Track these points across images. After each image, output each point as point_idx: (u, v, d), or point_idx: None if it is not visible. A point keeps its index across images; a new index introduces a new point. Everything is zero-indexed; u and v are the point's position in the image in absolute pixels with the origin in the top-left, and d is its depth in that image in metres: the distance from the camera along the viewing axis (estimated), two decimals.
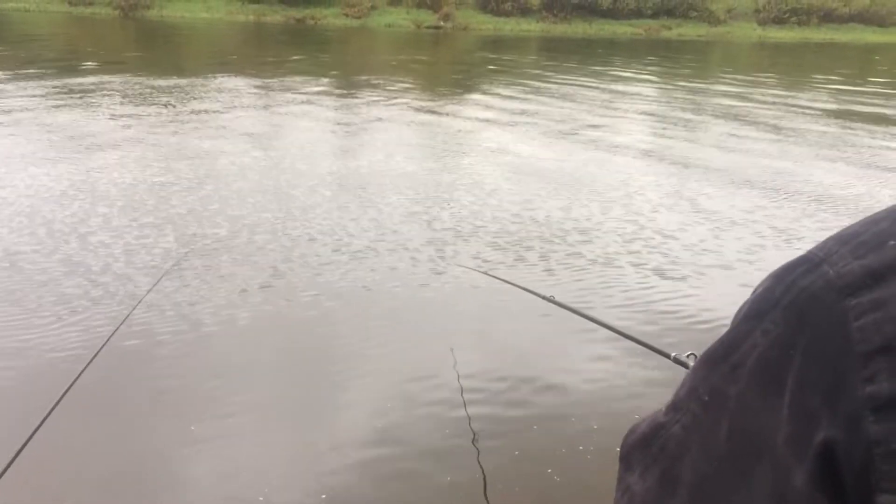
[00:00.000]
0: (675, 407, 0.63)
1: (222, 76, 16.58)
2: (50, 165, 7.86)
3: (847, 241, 0.53)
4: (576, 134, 11.29)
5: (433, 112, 12.98)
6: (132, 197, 6.87)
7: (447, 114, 12.87)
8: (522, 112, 13.24)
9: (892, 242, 0.50)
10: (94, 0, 39.29)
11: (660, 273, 5.55)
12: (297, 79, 16.72)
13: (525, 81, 18.31)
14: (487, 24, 43.41)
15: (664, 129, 12.22)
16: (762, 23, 47.77)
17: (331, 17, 41.92)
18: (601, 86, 18.07)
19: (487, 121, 12.16)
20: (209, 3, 41.62)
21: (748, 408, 0.55)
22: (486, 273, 5.11)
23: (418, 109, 13.11)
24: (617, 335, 2.46)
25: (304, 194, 7.25)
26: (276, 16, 41.23)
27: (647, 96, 16.74)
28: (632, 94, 16.71)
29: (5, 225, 5.90)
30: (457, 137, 10.72)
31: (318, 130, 10.87)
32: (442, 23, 42.20)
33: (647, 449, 0.65)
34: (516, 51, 30.35)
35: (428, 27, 41.72)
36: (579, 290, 5.15)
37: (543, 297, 2.93)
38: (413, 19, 42.52)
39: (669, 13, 47.04)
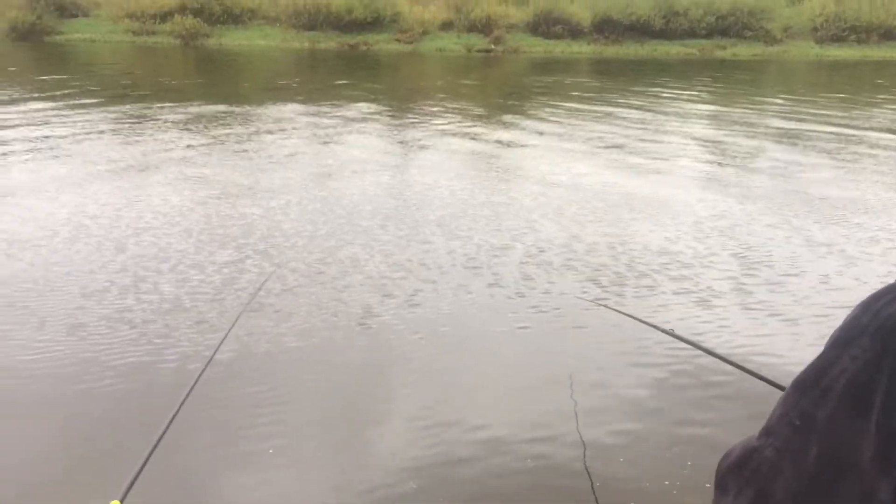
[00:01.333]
0: (767, 432, 0.67)
1: (279, 103, 16.99)
2: (122, 193, 8.18)
3: None
4: (636, 155, 11.22)
5: (489, 138, 13.06)
6: (211, 226, 7.09)
7: (504, 141, 12.93)
8: (584, 137, 13.23)
9: None
10: (156, 30, 40.68)
11: (777, 313, 5.29)
12: (352, 105, 17.03)
13: (579, 105, 18.29)
14: (538, 47, 43.49)
15: (735, 155, 12.06)
16: (820, 41, 46.76)
17: (383, 43, 42.57)
18: (657, 108, 17.93)
19: (546, 147, 12.13)
20: (265, 31, 42.70)
21: (836, 429, 0.59)
22: (603, 305, 5.03)
23: (472, 136, 13.22)
24: (743, 372, 2.31)
25: (380, 226, 7.21)
26: (331, 42, 42.04)
27: (707, 118, 16.55)
28: (690, 116, 16.54)
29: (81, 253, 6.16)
30: (520, 163, 10.75)
31: (377, 160, 10.99)
32: (493, 46, 42.46)
33: (740, 472, 0.69)
34: (567, 73, 30.34)
35: (479, 51, 42.02)
36: (699, 323, 5.03)
37: (663, 331, 2.83)
38: (464, 43, 42.87)
39: (723, 33, 46.40)
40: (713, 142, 12.90)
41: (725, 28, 46.32)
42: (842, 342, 0.61)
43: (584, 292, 5.55)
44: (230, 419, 3.76)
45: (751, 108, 18.36)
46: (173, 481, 3.19)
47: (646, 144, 12.42)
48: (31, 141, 11.08)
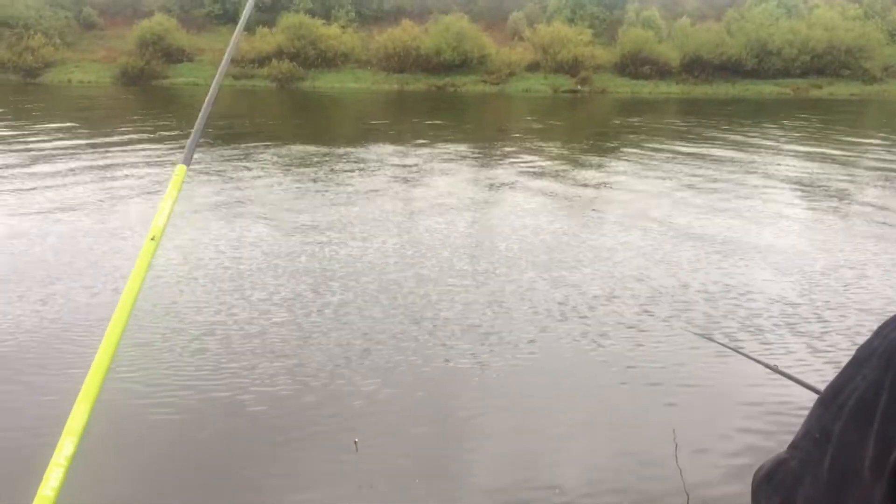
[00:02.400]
0: (794, 445, 0.75)
1: (370, 143, 17.47)
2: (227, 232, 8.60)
3: None
4: (730, 198, 11.02)
5: (575, 180, 13.08)
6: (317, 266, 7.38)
7: (591, 182, 12.92)
8: (673, 179, 13.09)
9: None
10: (255, 73, 42.61)
11: None
12: (439, 145, 17.35)
13: (670, 146, 18.09)
14: (625, 88, 43.28)
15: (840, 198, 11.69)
16: None
17: (470, 85, 43.26)
18: (751, 150, 17.53)
19: (638, 190, 12.03)
20: (357, 74, 44.12)
21: (846, 441, 0.66)
22: (709, 338, 5.07)
23: (557, 177, 13.28)
24: None
25: (495, 268, 7.34)
26: (419, 84, 43.03)
27: (805, 159, 16.09)
28: (782, 157, 16.11)
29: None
30: (614, 207, 10.70)
31: (467, 203, 11.15)
32: (579, 87, 42.52)
33: (770, 482, 0.77)
34: (655, 113, 30.07)
35: (565, 91, 42.15)
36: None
37: (767, 366, 2.88)
38: (550, 84, 43.10)
39: (819, 72, 45.04)
40: (814, 186, 12.53)
41: (822, 67, 44.95)
42: (857, 363, 0.68)
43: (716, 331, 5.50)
44: None
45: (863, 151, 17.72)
46: None
47: (738, 187, 12.16)
48: (139, 178, 11.79)
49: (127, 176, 11.98)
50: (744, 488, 3.45)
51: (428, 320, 5.69)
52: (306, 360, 4.91)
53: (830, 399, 0.70)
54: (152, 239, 1.26)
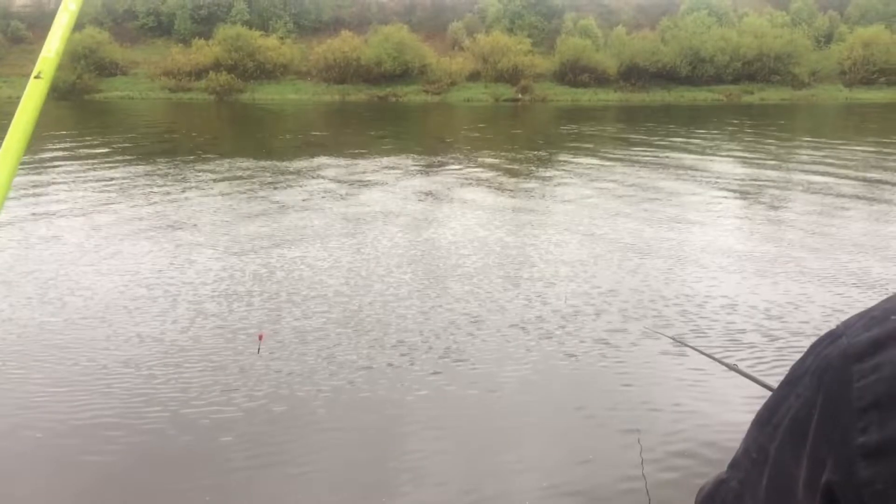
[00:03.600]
0: (733, 465, 0.74)
1: (309, 157, 17.28)
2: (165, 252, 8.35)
3: (863, 317, 0.63)
4: (670, 206, 11.22)
5: (514, 188, 13.15)
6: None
7: (531, 191, 13.01)
8: (611, 187, 13.25)
9: (894, 317, 0.60)
10: (192, 86, 41.90)
11: None
12: (380, 157, 17.27)
13: (610, 154, 18.36)
14: (565, 96, 43.98)
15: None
16: (849, 84, 46.67)
17: (412, 94, 43.38)
18: (687, 155, 17.92)
19: (577, 198, 12.21)
20: (297, 86, 43.81)
21: (782, 460, 0.65)
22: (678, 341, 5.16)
23: (497, 186, 13.33)
24: None
25: (425, 279, 7.42)
26: (360, 94, 42.96)
27: (739, 163, 16.50)
28: (714, 162, 16.50)
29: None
30: (549, 215, 10.80)
31: (410, 215, 11.12)
32: (520, 95, 43.04)
33: (711, 502, 0.76)
34: (594, 120, 30.57)
35: (506, 100, 42.60)
36: None
37: (727, 366, 2.92)
38: (491, 93, 43.52)
39: (751, 78, 46.56)
40: (747, 191, 12.84)
41: (752, 73, 46.51)
42: (790, 381, 0.67)
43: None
44: None
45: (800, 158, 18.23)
46: None
47: (675, 196, 12.39)
48: (72, 197, 11.41)
49: (56, 191, 11.58)
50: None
51: (368, 333, 5.59)
52: (252, 387, 4.76)
53: (766, 418, 0.69)
54: (37, 77, 1.05)
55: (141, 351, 5.30)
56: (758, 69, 46.52)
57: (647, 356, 5.30)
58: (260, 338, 3.65)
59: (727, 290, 6.85)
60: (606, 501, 3.61)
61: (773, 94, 45.11)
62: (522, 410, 4.59)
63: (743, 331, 5.81)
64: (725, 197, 12.05)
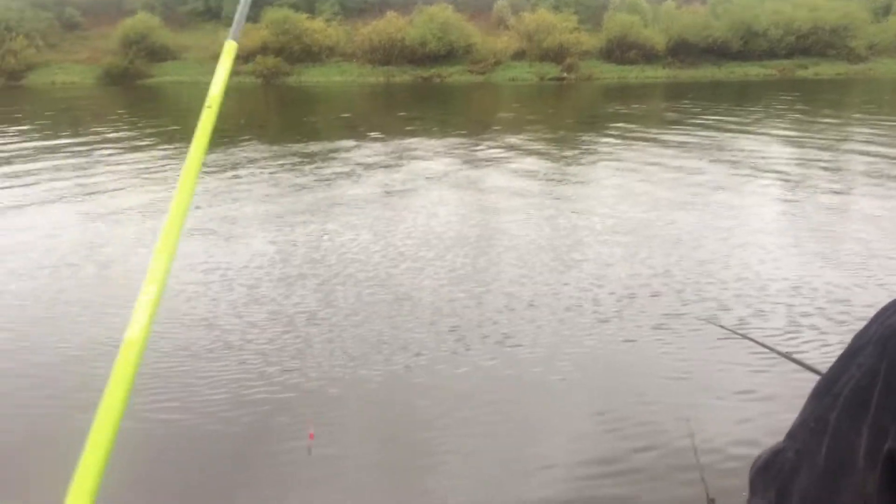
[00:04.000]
0: (790, 435, 0.75)
1: (354, 139, 17.42)
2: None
3: None
4: (715, 190, 11.07)
5: (556, 170, 13.11)
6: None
7: (574, 173, 12.95)
8: (655, 169, 13.12)
9: None
10: (240, 70, 42.40)
11: None
12: (425, 139, 17.34)
13: (656, 134, 18.13)
14: (611, 74, 43.29)
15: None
16: None
17: (456, 75, 43.21)
18: (737, 135, 17.58)
19: (619, 184, 12.12)
20: (342, 68, 44.01)
21: (842, 429, 0.66)
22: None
23: (535, 171, 13.30)
24: None
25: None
26: (405, 76, 42.96)
27: (792, 144, 16.14)
28: (765, 143, 16.16)
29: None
30: (589, 199, 10.76)
31: (459, 198, 11.19)
32: (566, 74, 42.52)
33: (767, 473, 0.77)
34: (642, 99, 30.09)
35: (551, 79, 42.14)
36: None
37: (782, 354, 2.83)
38: (536, 72, 43.08)
39: (805, 52, 45.13)
40: (801, 171, 12.57)
41: (806, 47, 45.04)
42: (852, 351, 0.68)
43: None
44: None
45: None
46: None
47: (726, 177, 12.21)
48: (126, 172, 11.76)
49: (112, 171, 11.94)
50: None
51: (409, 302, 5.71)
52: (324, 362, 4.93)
53: (826, 388, 0.70)
54: (209, 107, 1.31)
55: (197, 334, 5.51)
56: (812, 43, 45.00)
57: (704, 342, 5.30)
58: (310, 437, 3.71)
59: (787, 273, 6.80)
60: (662, 486, 3.66)
61: (827, 69, 43.69)
62: (578, 395, 4.66)
63: (806, 314, 5.77)
64: (779, 177, 11.83)
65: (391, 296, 6.29)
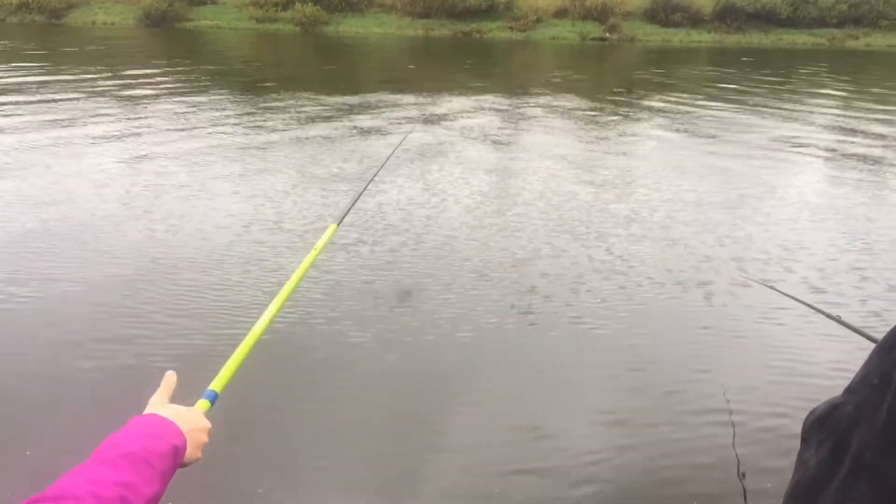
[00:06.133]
0: (850, 390, 0.74)
1: (395, 93, 17.31)
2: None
3: None
4: (750, 157, 10.88)
5: (594, 139, 12.95)
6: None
7: (613, 142, 12.79)
8: (699, 142, 12.90)
9: None
10: (278, 17, 42.15)
11: None
12: (461, 99, 17.17)
13: (700, 104, 17.77)
14: (655, 36, 42.33)
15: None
16: None
17: (496, 31, 42.53)
18: (791, 104, 17.20)
19: (658, 156, 11.96)
20: (381, 19, 43.48)
21: None
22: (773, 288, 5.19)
23: (578, 136, 13.13)
24: None
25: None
26: (444, 30, 42.37)
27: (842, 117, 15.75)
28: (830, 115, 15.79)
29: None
30: (630, 169, 10.64)
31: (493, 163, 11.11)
32: (608, 34, 41.66)
33: (823, 426, 0.76)
34: (686, 63, 29.43)
35: (593, 39, 41.34)
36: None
37: (830, 316, 2.79)
38: (578, 31, 42.25)
39: (856, 21, 43.69)
40: (848, 145, 12.29)
41: (859, 16, 43.58)
42: None
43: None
44: None
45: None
46: None
47: (773, 150, 11.98)
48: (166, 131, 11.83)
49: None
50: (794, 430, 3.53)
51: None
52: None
53: (891, 346, 0.68)
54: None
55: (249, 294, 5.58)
56: (865, 12, 43.52)
57: (748, 305, 5.39)
58: None
59: (836, 241, 6.90)
60: (692, 448, 3.70)
61: (879, 40, 42.29)
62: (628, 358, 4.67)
63: (864, 280, 5.77)
64: (828, 150, 11.59)
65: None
